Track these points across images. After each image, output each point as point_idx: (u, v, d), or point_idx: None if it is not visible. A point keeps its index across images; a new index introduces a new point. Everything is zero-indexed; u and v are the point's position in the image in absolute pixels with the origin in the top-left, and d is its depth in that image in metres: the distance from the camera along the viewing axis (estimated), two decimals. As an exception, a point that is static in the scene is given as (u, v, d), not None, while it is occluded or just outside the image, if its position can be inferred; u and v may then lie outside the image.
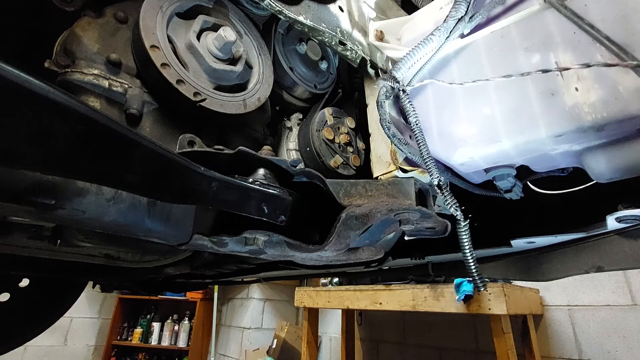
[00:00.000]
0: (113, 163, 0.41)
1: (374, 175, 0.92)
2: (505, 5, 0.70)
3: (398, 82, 0.71)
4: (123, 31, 0.74)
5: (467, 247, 0.63)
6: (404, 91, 0.71)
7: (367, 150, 1.04)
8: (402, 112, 0.84)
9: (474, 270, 0.62)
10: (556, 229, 0.96)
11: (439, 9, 0.84)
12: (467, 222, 0.63)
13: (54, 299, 1.97)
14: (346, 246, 0.69)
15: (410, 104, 0.71)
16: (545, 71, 0.58)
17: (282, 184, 0.68)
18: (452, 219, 0.71)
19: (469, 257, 0.62)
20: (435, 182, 0.64)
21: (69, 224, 0.68)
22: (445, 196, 0.64)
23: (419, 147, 0.67)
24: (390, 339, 3.59)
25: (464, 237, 0.63)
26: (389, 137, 0.80)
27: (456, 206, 0.64)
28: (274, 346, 4.10)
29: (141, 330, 4.97)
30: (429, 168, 0.66)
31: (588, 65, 0.55)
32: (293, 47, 1.05)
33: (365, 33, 0.93)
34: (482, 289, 0.64)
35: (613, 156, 0.60)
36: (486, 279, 2.18)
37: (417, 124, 0.69)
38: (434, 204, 0.89)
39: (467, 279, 2.19)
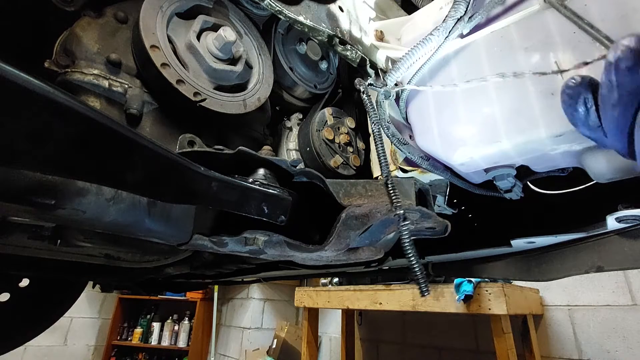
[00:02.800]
0: (113, 163, 0.41)
1: (374, 175, 0.92)
2: (505, 5, 0.70)
3: (363, 83, 0.71)
4: (123, 31, 0.74)
5: (408, 246, 0.60)
6: (363, 92, 0.72)
7: (367, 150, 1.04)
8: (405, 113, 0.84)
9: (417, 270, 0.59)
10: (556, 229, 0.96)
11: (439, 9, 0.84)
12: (407, 223, 0.61)
13: (54, 299, 1.96)
14: (346, 246, 0.69)
15: (370, 104, 0.72)
16: (542, 74, 0.58)
17: (282, 184, 0.68)
18: (451, 218, 0.71)
19: (412, 256, 0.59)
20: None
21: (69, 224, 0.68)
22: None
23: (377, 153, 0.68)
24: (390, 339, 3.59)
25: (405, 236, 0.60)
26: (388, 137, 0.80)
27: (397, 204, 0.62)
28: (274, 346, 4.10)
29: (141, 330, 4.97)
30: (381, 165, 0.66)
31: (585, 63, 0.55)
32: (293, 47, 1.05)
33: (365, 33, 0.93)
34: (425, 294, 0.60)
35: (613, 156, 0.60)
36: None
37: (376, 124, 0.70)
38: (434, 204, 0.89)
39: (467, 279, 2.20)
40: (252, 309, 4.49)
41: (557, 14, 0.61)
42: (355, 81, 0.73)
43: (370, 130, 0.98)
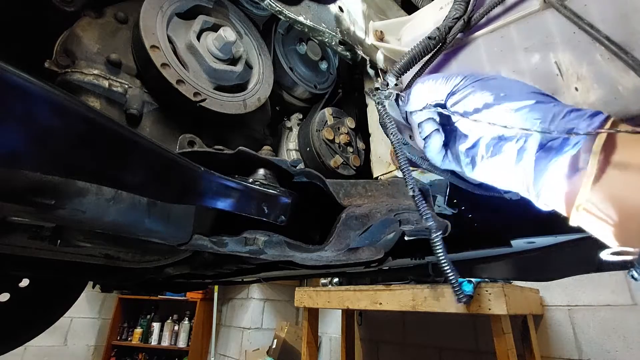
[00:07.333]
0: (113, 163, 0.41)
1: (374, 176, 0.92)
2: (505, 5, 0.70)
3: (376, 93, 0.68)
4: (123, 31, 0.74)
5: (442, 257, 0.56)
6: (378, 104, 0.67)
7: (367, 150, 1.04)
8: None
9: (451, 278, 0.55)
10: (556, 229, 0.96)
11: (439, 9, 0.84)
12: (439, 233, 0.57)
13: (54, 299, 1.96)
14: (346, 246, 0.69)
15: (387, 117, 0.67)
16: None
17: (282, 184, 0.68)
18: (451, 218, 0.70)
19: (447, 268, 0.55)
20: (410, 193, 0.59)
21: (69, 224, 0.68)
22: (419, 207, 0.59)
23: (398, 158, 0.63)
24: (390, 339, 3.59)
25: (438, 247, 0.55)
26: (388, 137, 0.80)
27: (427, 216, 0.57)
28: (274, 346, 4.10)
29: (141, 330, 4.97)
30: (404, 173, 0.61)
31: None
32: (293, 47, 1.05)
33: (365, 33, 0.93)
34: (462, 301, 0.57)
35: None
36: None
37: (394, 135, 0.65)
38: (434, 204, 0.89)
39: (467, 279, 2.20)
40: (252, 309, 4.48)
41: (557, 14, 0.61)
42: (366, 90, 0.71)
43: (370, 131, 0.98)
